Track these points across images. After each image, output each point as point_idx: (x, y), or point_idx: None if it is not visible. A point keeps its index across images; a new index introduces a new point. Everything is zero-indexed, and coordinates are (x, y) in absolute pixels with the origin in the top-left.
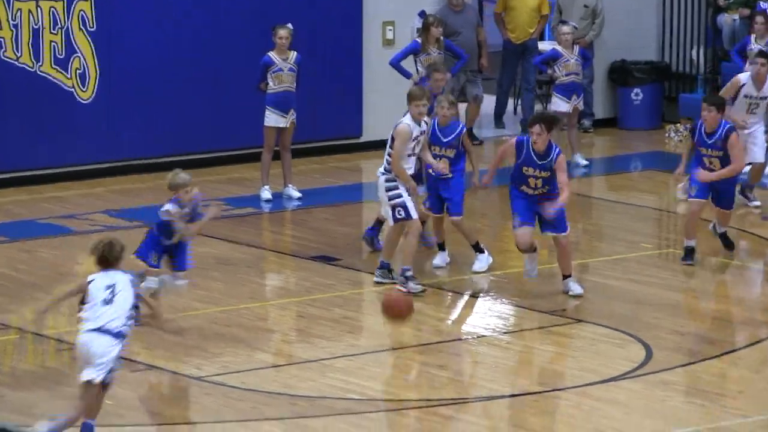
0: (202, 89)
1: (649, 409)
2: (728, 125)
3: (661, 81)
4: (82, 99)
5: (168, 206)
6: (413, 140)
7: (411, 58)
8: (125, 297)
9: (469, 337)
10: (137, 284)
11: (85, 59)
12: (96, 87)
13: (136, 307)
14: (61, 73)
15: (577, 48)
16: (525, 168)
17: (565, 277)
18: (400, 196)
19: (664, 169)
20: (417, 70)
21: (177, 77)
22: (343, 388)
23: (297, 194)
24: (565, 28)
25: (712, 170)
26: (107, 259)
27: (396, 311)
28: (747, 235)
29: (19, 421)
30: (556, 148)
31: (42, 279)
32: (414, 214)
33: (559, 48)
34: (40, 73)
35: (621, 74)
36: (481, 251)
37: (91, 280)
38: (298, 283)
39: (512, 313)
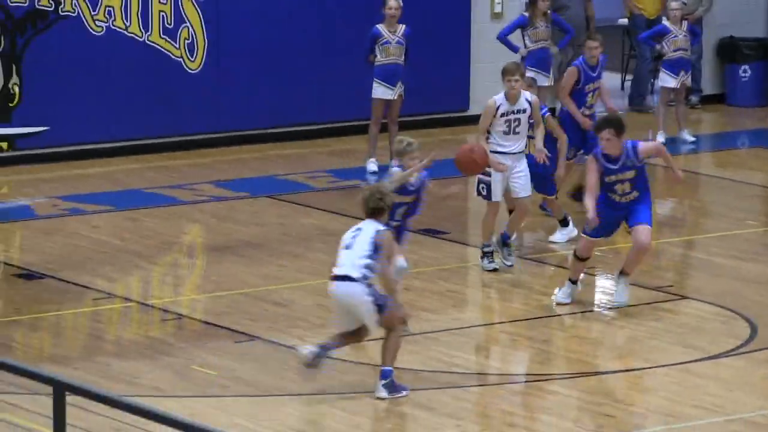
0: (309, 60)
1: (752, 386)
2: None
3: None
4: (190, 69)
5: (394, 168)
6: (502, 116)
7: (519, 32)
8: (362, 241)
9: (574, 312)
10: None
11: (193, 29)
12: (204, 57)
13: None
14: (170, 43)
15: (685, 23)
16: (608, 177)
17: (623, 274)
18: (488, 174)
19: None
20: (525, 44)
21: (284, 48)
22: (448, 361)
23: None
24: (674, 4)
25: None
26: (371, 210)
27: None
28: None
29: (124, 390)
30: (631, 143)
31: (147, 248)
32: (494, 197)
33: (667, 23)
34: (149, 43)
35: (729, 50)
36: (566, 224)
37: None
38: (404, 256)
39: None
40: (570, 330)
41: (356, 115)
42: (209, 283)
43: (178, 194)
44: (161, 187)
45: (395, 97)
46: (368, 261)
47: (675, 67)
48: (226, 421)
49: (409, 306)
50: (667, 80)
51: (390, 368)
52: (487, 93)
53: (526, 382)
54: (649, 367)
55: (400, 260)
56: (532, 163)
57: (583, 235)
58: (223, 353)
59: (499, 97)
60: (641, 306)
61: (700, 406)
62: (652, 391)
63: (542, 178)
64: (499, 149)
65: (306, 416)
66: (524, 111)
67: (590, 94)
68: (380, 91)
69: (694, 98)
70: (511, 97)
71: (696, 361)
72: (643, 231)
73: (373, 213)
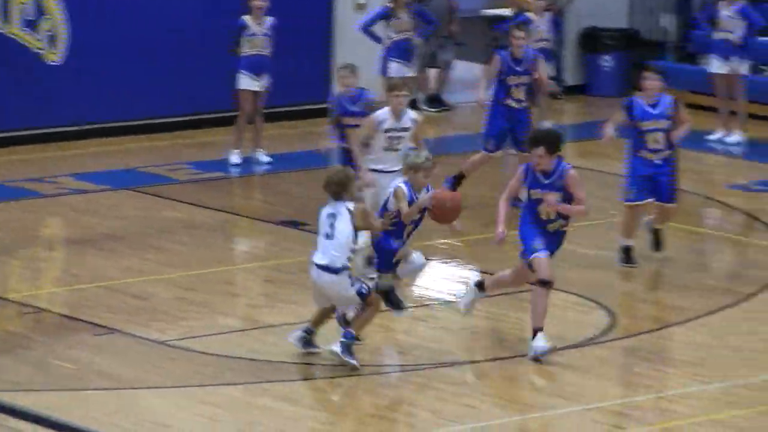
0: (170, 52)
1: (612, 375)
2: (670, 97)
3: (630, 48)
4: (51, 61)
5: (399, 184)
6: (386, 132)
7: (384, 23)
8: (343, 230)
9: (435, 302)
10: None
11: (54, 22)
12: (65, 50)
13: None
14: (31, 35)
15: (548, 14)
16: (533, 192)
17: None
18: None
19: None
20: (388, 34)
21: (147, 40)
22: (308, 353)
23: (266, 158)
24: None
25: (656, 150)
26: (333, 189)
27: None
28: (713, 203)
29: None
30: (563, 165)
31: (6, 242)
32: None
33: (529, 14)
34: (9, 35)
35: (592, 41)
36: None
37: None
38: (266, 248)
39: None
40: (432, 320)
41: (217, 106)
42: (69, 276)
43: (38, 187)
44: (21, 180)
45: (260, 89)
46: (351, 249)
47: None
48: (84, 414)
49: (271, 298)
50: None
51: (354, 333)
52: None
53: (387, 373)
54: (510, 357)
55: (417, 257)
56: None
57: (537, 256)
58: (82, 346)
59: (383, 113)
60: (504, 296)
61: (560, 394)
62: (513, 381)
63: None
64: (374, 167)
65: (165, 409)
66: (407, 129)
67: (514, 88)
68: (246, 83)
69: (556, 88)
70: (396, 113)
71: (557, 350)
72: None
73: (336, 195)
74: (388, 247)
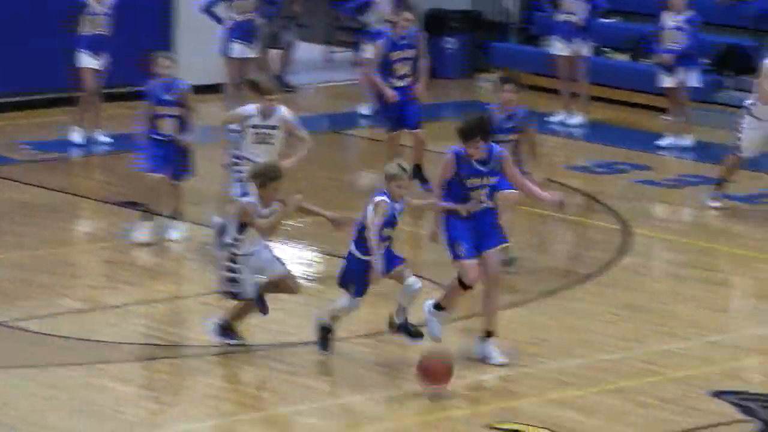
0: (8, 31)
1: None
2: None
3: (473, 30)
4: None
5: (380, 197)
6: (253, 128)
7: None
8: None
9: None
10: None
11: None
12: None
13: None
14: None
15: None
16: (471, 180)
17: (489, 334)
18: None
19: None
20: (230, 15)
21: None
22: (147, 333)
23: (105, 139)
24: None
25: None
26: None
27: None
28: (554, 185)
29: None
30: (494, 147)
31: None
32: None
33: None
34: None
35: (435, 22)
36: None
37: None
38: (106, 229)
39: (320, 260)
40: (273, 302)
41: (55, 86)
42: None
43: None
44: None
45: (101, 68)
46: (234, 237)
47: (376, 36)
48: None
49: (112, 279)
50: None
51: (229, 321)
52: (192, 64)
53: (224, 353)
54: (349, 337)
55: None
56: None
57: (462, 261)
58: None
59: (251, 108)
60: None
61: (402, 376)
62: (354, 362)
63: None
64: (245, 155)
65: (1, 389)
66: (275, 127)
67: (398, 63)
68: (86, 61)
69: None
70: (265, 114)
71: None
72: (495, 257)
73: (258, 186)
74: (356, 265)
